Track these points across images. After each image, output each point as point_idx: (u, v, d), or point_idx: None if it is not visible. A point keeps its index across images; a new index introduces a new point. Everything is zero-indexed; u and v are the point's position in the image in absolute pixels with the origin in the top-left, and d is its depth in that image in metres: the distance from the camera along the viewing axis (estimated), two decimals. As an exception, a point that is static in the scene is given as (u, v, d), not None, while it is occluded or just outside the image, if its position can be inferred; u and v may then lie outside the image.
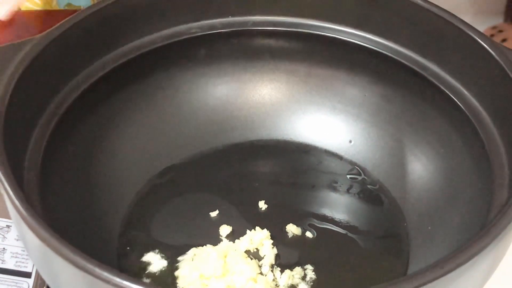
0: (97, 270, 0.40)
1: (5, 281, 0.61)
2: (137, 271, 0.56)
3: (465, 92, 0.59)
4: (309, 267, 0.57)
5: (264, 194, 0.63)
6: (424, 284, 0.40)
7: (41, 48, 0.54)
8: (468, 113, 0.57)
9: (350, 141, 0.67)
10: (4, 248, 0.62)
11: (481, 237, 0.43)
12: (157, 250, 0.58)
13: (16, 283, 0.61)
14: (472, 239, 0.43)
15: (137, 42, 0.64)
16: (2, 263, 0.62)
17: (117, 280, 0.39)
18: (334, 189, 0.65)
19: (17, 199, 0.44)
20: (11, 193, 0.44)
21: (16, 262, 0.62)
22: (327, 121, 0.68)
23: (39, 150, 0.53)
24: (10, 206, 0.45)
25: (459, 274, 0.41)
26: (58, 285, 0.46)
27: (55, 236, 0.42)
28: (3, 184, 0.45)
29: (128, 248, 0.58)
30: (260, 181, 0.65)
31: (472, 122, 0.57)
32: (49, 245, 0.42)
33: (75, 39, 0.56)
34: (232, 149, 0.67)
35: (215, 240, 0.59)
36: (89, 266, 0.40)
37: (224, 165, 0.66)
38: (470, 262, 0.42)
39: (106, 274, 0.39)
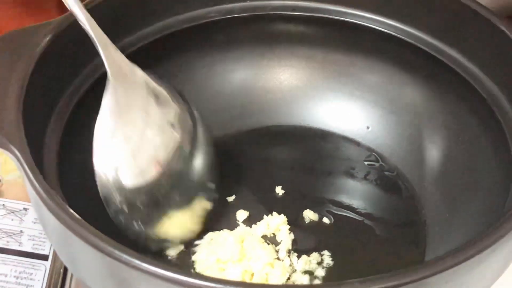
0: (117, 252, 0.40)
1: (22, 263, 0.61)
2: (154, 255, 0.57)
3: (484, 77, 0.58)
4: (326, 253, 0.57)
5: (281, 179, 0.63)
6: (443, 271, 0.40)
7: (61, 31, 0.54)
8: (487, 99, 0.57)
9: (368, 128, 0.66)
10: (21, 230, 0.63)
11: (501, 225, 0.42)
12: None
13: (33, 265, 0.61)
14: (491, 227, 0.43)
15: (154, 26, 0.63)
16: (19, 245, 0.62)
17: (136, 262, 0.39)
18: (351, 176, 0.65)
19: (36, 180, 0.44)
20: (30, 174, 0.44)
21: (33, 244, 0.62)
22: (344, 107, 0.67)
23: (59, 130, 0.53)
24: (29, 188, 0.45)
25: (478, 261, 0.41)
26: (77, 267, 0.47)
27: (74, 218, 0.42)
28: (22, 166, 0.45)
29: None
30: (277, 166, 0.65)
31: (490, 108, 0.56)
32: (68, 227, 0.41)
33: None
34: (249, 134, 0.67)
35: (231, 225, 0.59)
36: (109, 248, 0.40)
37: (241, 151, 0.66)
38: (489, 249, 0.41)
39: (125, 256, 0.39)
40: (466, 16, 0.58)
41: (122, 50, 0.60)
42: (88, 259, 0.43)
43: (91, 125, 0.57)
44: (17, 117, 0.48)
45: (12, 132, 0.47)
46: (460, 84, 0.59)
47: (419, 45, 0.62)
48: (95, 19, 0.52)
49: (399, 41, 0.63)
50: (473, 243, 0.41)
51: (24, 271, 0.60)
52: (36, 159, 0.46)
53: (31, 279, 0.60)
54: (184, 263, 0.56)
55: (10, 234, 0.63)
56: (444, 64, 0.61)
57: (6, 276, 0.60)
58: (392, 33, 0.64)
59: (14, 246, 0.62)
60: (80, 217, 0.42)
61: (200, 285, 0.38)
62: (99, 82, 0.57)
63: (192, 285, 0.38)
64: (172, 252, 0.57)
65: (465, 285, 0.42)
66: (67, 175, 0.52)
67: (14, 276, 0.60)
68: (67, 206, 0.42)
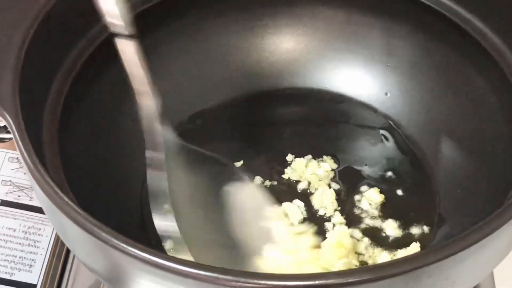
0: (103, 235, 0.39)
1: (32, 218, 0.62)
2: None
3: (507, 50, 0.55)
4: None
5: (293, 145, 0.62)
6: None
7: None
8: (508, 75, 0.54)
9: (386, 94, 0.64)
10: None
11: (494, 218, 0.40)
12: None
13: (43, 221, 0.62)
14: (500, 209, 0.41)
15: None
16: (30, 200, 0.63)
17: (115, 242, 0.39)
18: (367, 142, 0.63)
19: (31, 162, 0.43)
20: (20, 142, 0.44)
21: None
22: (363, 72, 0.65)
23: (59, 99, 0.53)
24: (26, 170, 0.45)
25: (466, 256, 0.40)
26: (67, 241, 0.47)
27: (66, 202, 0.41)
28: (13, 132, 0.45)
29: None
30: (289, 131, 0.64)
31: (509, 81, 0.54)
32: (60, 208, 0.41)
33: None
34: (264, 95, 0.66)
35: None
36: (96, 230, 0.40)
37: (254, 113, 0.65)
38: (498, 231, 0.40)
39: (114, 241, 0.39)
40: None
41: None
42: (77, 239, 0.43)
43: (96, 90, 0.57)
44: (13, 84, 0.47)
45: (6, 98, 0.46)
46: (482, 57, 0.57)
47: (444, 11, 0.59)
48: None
49: (423, 5, 0.60)
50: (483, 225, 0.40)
51: (33, 226, 0.61)
52: (32, 127, 0.46)
53: (39, 234, 0.61)
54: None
55: (21, 188, 0.63)
56: (467, 34, 0.58)
57: (14, 230, 0.61)
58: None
59: (25, 201, 0.63)
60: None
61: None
62: (106, 44, 0.56)
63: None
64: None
65: (450, 279, 0.41)
66: (69, 145, 0.52)
67: (23, 231, 0.61)
68: (50, 180, 0.42)
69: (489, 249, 0.42)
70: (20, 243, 0.60)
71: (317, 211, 0.58)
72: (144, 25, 0.58)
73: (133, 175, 0.58)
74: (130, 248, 0.39)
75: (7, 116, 0.46)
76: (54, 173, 0.47)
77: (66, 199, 0.41)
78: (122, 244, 0.39)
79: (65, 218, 0.41)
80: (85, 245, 0.43)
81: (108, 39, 0.55)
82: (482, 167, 0.56)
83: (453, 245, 0.38)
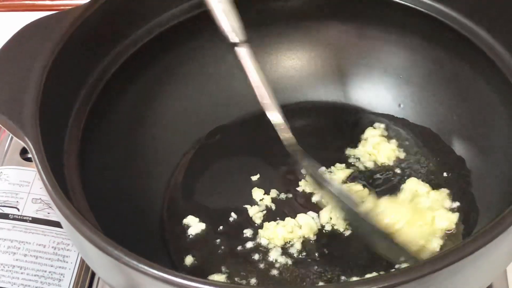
0: (116, 253, 0.42)
1: (61, 235, 0.65)
2: (178, 234, 0.59)
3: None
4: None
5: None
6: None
7: (81, 22, 0.55)
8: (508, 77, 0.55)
9: (400, 105, 0.66)
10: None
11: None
12: (196, 213, 0.60)
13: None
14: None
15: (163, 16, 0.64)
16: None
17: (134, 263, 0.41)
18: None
19: (45, 174, 0.46)
20: (40, 169, 0.47)
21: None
22: (377, 84, 0.67)
23: (81, 120, 0.55)
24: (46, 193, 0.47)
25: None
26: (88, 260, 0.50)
27: (85, 223, 0.44)
28: (34, 159, 0.48)
29: (170, 210, 0.61)
30: (304, 143, 0.65)
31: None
32: (77, 230, 0.44)
33: (114, 10, 0.57)
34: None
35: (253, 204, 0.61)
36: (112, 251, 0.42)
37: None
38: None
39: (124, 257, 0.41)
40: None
41: (151, 31, 0.62)
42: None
43: (116, 110, 0.59)
44: (34, 110, 0.50)
45: (27, 124, 0.49)
46: (491, 69, 0.58)
47: (453, 25, 0.61)
48: (107, 13, 0.53)
49: (433, 19, 0.62)
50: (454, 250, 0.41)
51: (62, 241, 0.64)
52: (52, 152, 0.49)
53: (67, 249, 0.64)
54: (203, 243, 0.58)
55: (51, 205, 0.66)
56: (476, 46, 0.59)
57: (44, 246, 0.64)
58: (425, 11, 0.62)
59: (54, 217, 0.65)
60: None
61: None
62: (127, 64, 0.60)
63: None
64: (193, 231, 0.59)
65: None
66: (90, 159, 0.55)
67: (52, 247, 0.64)
68: (68, 203, 0.45)
69: (486, 259, 0.43)
70: (49, 259, 0.63)
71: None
72: (161, 48, 0.61)
73: (153, 194, 0.61)
74: (146, 267, 0.41)
75: (28, 141, 0.49)
76: (74, 195, 0.50)
77: (81, 219, 0.44)
78: (135, 262, 0.41)
79: (81, 237, 0.44)
80: (103, 265, 0.46)
81: (125, 65, 0.59)
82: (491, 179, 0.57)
83: (445, 257, 0.40)
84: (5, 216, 0.65)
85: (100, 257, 0.43)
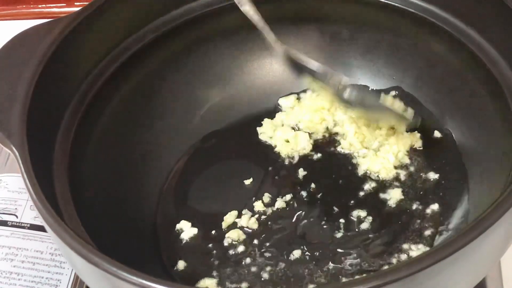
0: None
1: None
2: (170, 238, 0.60)
3: (501, 61, 0.56)
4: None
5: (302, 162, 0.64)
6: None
7: (67, 33, 0.56)
8: (503, 86, 0.55)
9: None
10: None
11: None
12: (189, 218, 0.60)
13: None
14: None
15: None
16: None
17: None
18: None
19: (30, 184, 0.47)
20: (25, 176, 0.47)
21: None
22: (371, 85, 0.67)
23: (70, 128, 0.56)
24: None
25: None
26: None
27: (67, 231, 0.45)
28: (19, 166, 0.48)
29: (163, 215, 0.61)
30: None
31: (506, 96, 0.54)
32: (65, 242, 0.45)
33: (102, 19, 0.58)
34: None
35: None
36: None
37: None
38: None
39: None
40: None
41: (145, 36, 0.62)
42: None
43: (104, 125, 0.60)
44: (21, 117, 0.51)
45: (14, 131, 0.50)
46: (481, 69, 0.58)
47: (444, 26, 0.61)
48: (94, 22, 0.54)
49: (425, 21, 0.62)
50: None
51: (59, 248, 0.65)
52: (41, 161, 0.50)
53: (64, 256, 0.64)
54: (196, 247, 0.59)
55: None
56: (467, 47, 0.59)
57: (42, 253, 0.64)
58: (418, 12, 0.62)
59: (52, 224, 0.66)
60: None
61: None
62: (108, 84, 0.60)
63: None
64: (186, 236, 0.59)
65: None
66: (82, 166, 0.56)
67: (49, 253, 0.64)
68: (51, 210, 0.45)
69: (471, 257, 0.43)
70: (47, 265, 0.64)
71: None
72: (153, 54, 0.62)
73: (146, 199, 0.62)
74: (129, 276, 0.41)
75: (14, 149, 0.49)
76: (63, 203, 0.51)
77: (64, 227, 0.45)
78: (120, 272, 0.42)
79: (62, 243, 0.44)
80: (90, 274, 0.46)
81: (115, 73, 0.59)
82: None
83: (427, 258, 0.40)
84: (4, 223, 0.66)
85: (86, 266, 0.44)
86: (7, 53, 0.55)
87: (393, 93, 0.66)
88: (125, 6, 0.60)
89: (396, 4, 0.63)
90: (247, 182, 0.63)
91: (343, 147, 0.64)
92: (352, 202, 0.60)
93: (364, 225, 0.58)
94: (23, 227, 0.66)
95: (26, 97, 0.52)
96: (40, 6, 0.95)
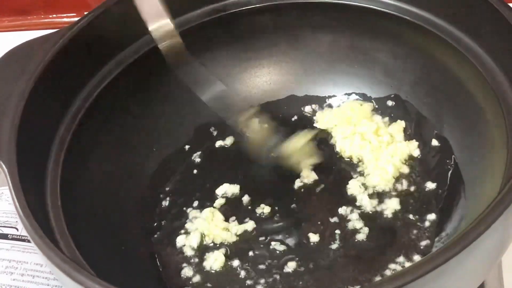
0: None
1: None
2: (168, 252, 0.60)
3: (496, 69, 0.55)
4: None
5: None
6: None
7: (61, 47, 0.56)
8: (495, 92, 0.54)
9: (391, 114, 0.65)
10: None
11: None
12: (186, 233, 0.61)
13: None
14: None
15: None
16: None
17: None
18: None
19: (16, 197, 0.47)
20: (12, 191, 0.47)
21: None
22: (369, 93, 0.67)
23: (62, 146, 0.56)
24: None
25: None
26: None
27: (54, 250, 0.45)
28: (8, 182, 0.48)
29: (161, 231, 0.62)
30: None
31: (499, 102, 0.53)
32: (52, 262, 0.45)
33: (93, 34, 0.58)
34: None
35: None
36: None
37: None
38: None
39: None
40: (479, 6, 0.55)
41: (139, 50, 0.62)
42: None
43: (99, 141, 0.60)
44: (11, 133, 0.51)
45: (3, 147, 0.50)
46: (474, 74, 0.56)
47: (439, 33, 0.60)
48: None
49: (420, 28, 0.61)
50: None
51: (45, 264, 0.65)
52: (30, 178, 0.50)
53: (64, 268, 0.65)
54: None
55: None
56: (460, 53, 0.58)
57: (41, 266, 0.65)
58: (413, 20, 0.61)
59: (52, 237, 0.66)
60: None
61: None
62: (99, 100, 0.60)
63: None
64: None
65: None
66: (76, 176, 0.56)
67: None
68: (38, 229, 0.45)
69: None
70: (46, 278, 0.64)
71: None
72: (144, 70, 0.62)
73: (140, 215, 0.62)
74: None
75: (3, 165, 0.49)
76: (54, 221, 0.51)
77: (48, 243, 0.45)
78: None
79: (47, 260, 0.44)
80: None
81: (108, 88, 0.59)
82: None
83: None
84: (4, 236, 0.67)
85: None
86: (1, 68, 0.56)
87: (390, 103, 0.66)
88: (117, 20, 0.60)
89: (394, 13, 0.62)
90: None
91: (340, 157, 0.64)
92: (348, 212, 0.59)
93: (360, 236, 0.57)
94: (23, 240, 0.66)
95: (16, 113, 0.52)
96: (50, 16, 0.95)
